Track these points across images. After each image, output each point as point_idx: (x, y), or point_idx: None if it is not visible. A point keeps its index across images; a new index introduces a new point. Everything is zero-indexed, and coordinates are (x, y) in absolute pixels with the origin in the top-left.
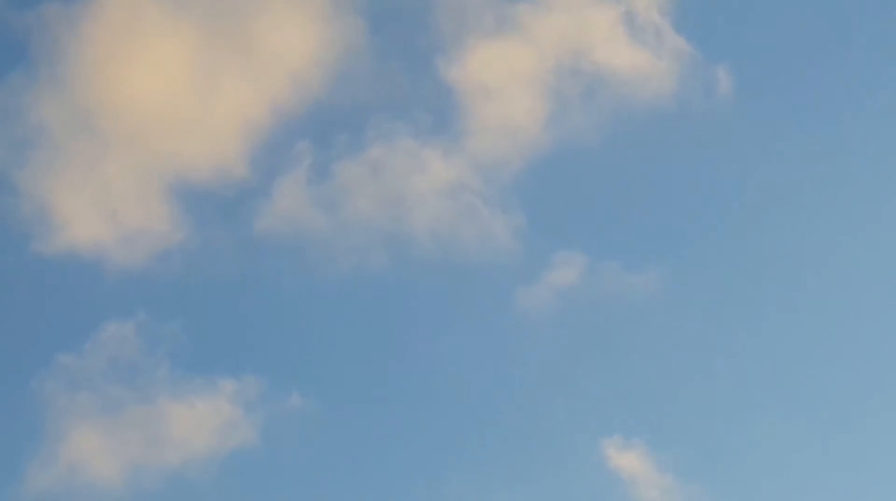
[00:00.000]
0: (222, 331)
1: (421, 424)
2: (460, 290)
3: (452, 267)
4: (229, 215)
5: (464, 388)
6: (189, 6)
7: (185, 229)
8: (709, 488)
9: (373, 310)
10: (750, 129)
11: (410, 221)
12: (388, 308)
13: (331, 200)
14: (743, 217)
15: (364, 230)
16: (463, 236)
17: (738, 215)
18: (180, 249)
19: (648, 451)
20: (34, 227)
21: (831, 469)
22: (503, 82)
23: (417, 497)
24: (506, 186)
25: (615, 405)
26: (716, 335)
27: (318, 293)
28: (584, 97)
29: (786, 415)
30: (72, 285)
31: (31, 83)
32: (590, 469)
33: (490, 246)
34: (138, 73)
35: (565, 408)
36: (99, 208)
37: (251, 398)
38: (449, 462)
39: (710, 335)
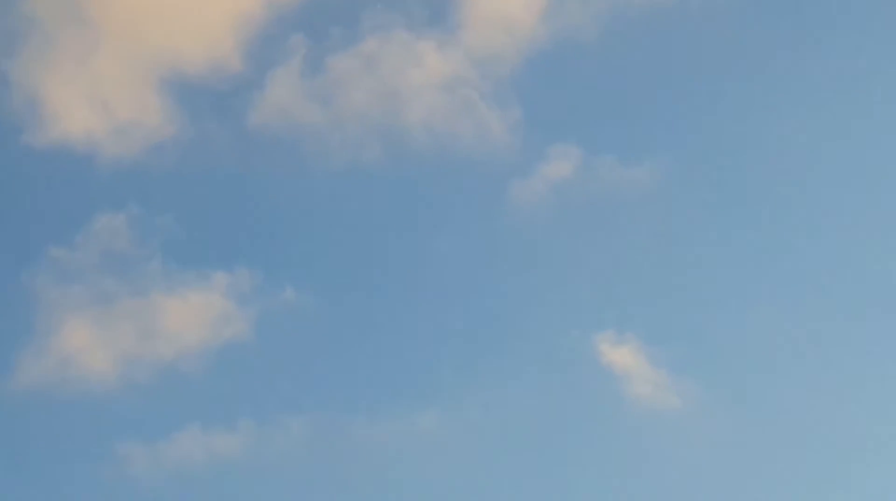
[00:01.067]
0: (215, 224)
1: (414, 318)
2: (455, 184)
3: (447, 161)
4: (223, 108)
5: (456, 282)
6: None
7: (178, 121)
8: (702, 383)
9: (367, 204)
10: (748, 20)
11: (405, 114)
12: (383, 202)
13: (325, 93)
14: (740, 111)
15: (358, 124)
16: (458, 129)
17: (735, 108)
18: (173, 141)
19: (641, 346)
20: (25, 119)
21: (827, 363)
22: None
23: (409, 390)
24: (502, 80)
25: (608, 299)
26: (710, 229)
27: (312, 187)
28: None
29: (781, 310)
30: (63, 177)
31: None
32: (583, 365)
33: (485, 140)
34: None
35: (558, 303)
36: (91, 100)
37: (244, 291)
38: (441, 356)
39: (704, 230)
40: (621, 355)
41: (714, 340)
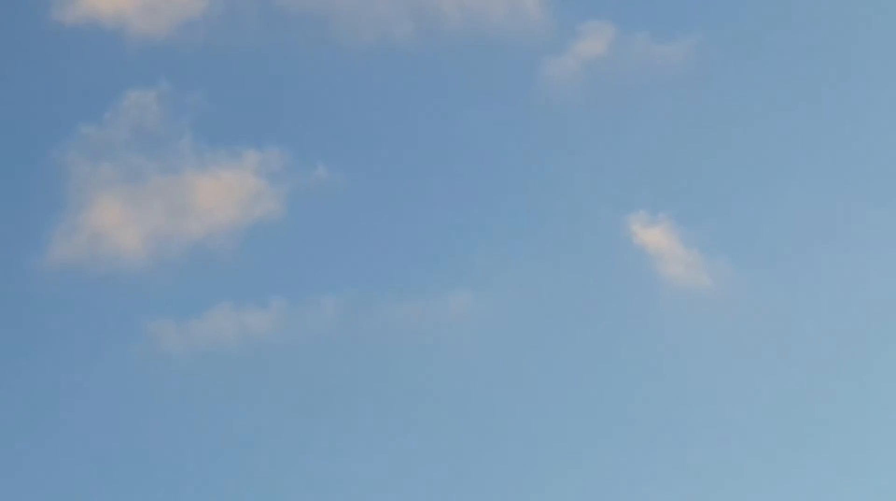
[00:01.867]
0: (246, 102)
1: (445, 198)
2: (486, 61)
3: (478, 38)
4: None
5: (488, 161)
6: None
7: None
8: (735, 263)
9: (398, 82)
10: None
11: None
12: (414, 80)
13: None
14: None
15: (389, 1)
16: (489, 7)
17: None
18: (203, 18)
19: (674, 226)
20: None
21: (861, 242)
22: None
23: (441, 269)
24: None
25: (640, 179)
26: (744, 107)
27: (343, 64)
28: None
29: (815, 188)
30: (92, 53)
31: None
32: (615, 245)
33: (517, 17)
34: None
35: (590, 183)
36: None
37: (276, 169)
38: (473, 237)
39: (738, 108)
40: (653, 235)
41: (747, 219)
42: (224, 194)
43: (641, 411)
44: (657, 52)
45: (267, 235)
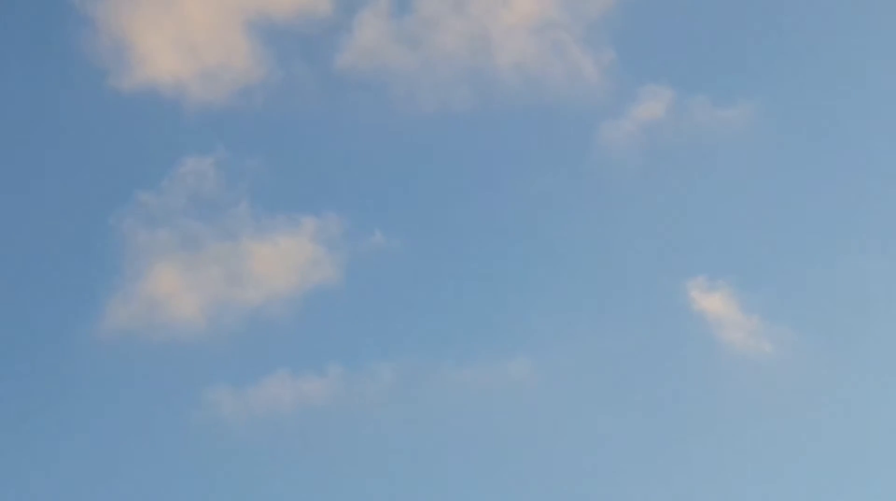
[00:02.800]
0: (304, 168)
1: (503, 263)
2: (545, 127)
3: (537, 104)
4: (310, 51)
5: (546, 226)
6: None
7: (266, 64)
8: (796, 329)
9: (456, 148)
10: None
11: (495, 57)
12: (472, 146)
13: (414, 35)
14: (836, 53)
15: (448, 67)
16: (548, 72)
17: (829, 51)
18: (261, 85)
19: (734, 292)
20: (113, 62)
21: None
22: None
23: (499, 336)
24: (593, 21)
25: (700, 244)
26: (803, 171)
27: (401, 131)
28: None
29: (876, 254)
30: (151, 121)
31: None
32: (674, 311)
33: (576, 82)
34: None
35: (649, 247)
36: (178, 43)
37: (333, 235)
38: (531, 302)
39: (797, 172)
40: (713, 301)
41: (807, 285)
42: (281, 260)
43: (703, 479)
44: (716, 117)
45: (324, 301)
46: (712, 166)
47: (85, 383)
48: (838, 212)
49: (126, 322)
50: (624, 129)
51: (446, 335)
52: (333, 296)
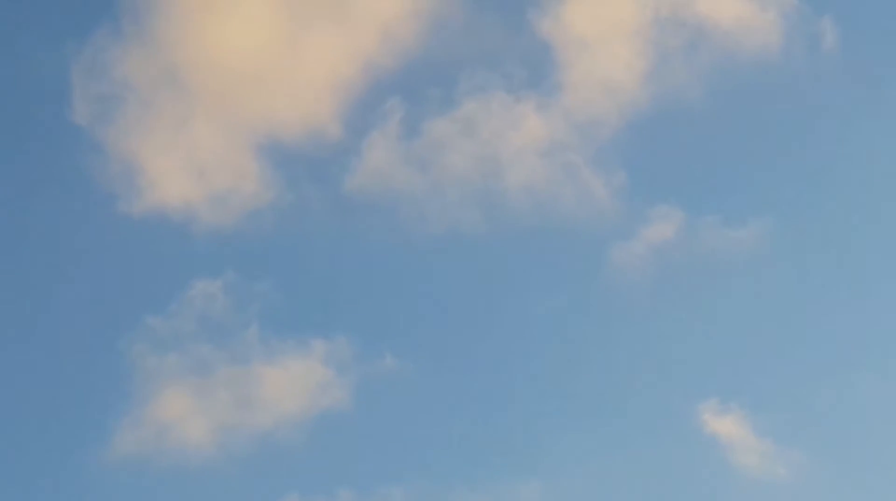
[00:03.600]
0: (313, 291)
1: (514, 386)
2: (555, 249)
3: (547, 226)
4: (320, 174)
5: (556, 348)
6: None
7: (275, 188)
8: (810, 453)
9: (466, 270)
10: (855, 84)
11: (505, 179)
12: (482, 269)
13: (422, 157)
14: (847, 174)
15: (457, 189)
16: (558, 194)
17: (841, 171)
18: (270, 208)
19: (747, 415)
20: (121, 186)
21: None
22: (600, 35)
23: (511, 459)
24: (603, 144)
25: (712, 366)
26: (817, 293)
27: (411, 253)
28: (685, 50)
29: (893, 378)
30: (160, 245)
31: (117, 39)
32: (686, 434)
33: (585, 203)
34: (226, 28)
35: (660, 369)
36: (187, 167)
37: (343, 359)
38: (541, 425)
39: (810, 294)
40: (725, 424)
41: (822, 408)
42: (291, 383)
43: None
44: (727, 237)
45: (334, 425)
46: (723, 287)
47: None
48: (851, 333)
49: (135, 447)
50: (634, 250)
51: (457, 458)
52: (344, 419)
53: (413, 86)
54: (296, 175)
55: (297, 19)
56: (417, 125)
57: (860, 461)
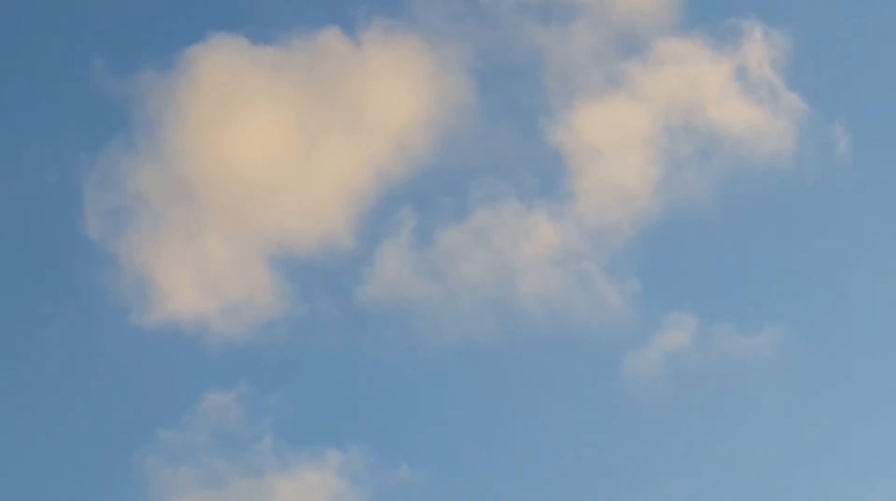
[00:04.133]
0: (327, 402)
1: (530, 494)
2: (569, 358)
3: (561, 335)
4: (333, 284)
5: (571, 457)
6: (289, 70)
7: (288, 299)
8: None
9: (481, 380)
10: (868, 189)
11: (518, 288)
12: (497, 378)
13: (436, 267)
14: (863, 280)
15: (470, 298)
16: (572, 303)
17: (857, 277)
18: (283, 319)
19: None
20: (133, 299)
21: None
22: (613, 143)
23: None
24: (616, 252)
25: (729, 475)
26: (833, 400)
27: (425, 363)
28: (697, 158)
29: None
30: (172, 357)
31: (128, 152)
32: None
33: (599, 312)
34: (238, 140)
35: (676, 477)
36: (199, 278)
37: (358, 470)
38: None
39: (826, 400)
40: None
41: None
42: (306, 496)
43: None
44: (742, 344)
45: None
46: (738, 394)
47: None
48: (869, 440)
49: None
50: (648, 358)
51: None
52: None
53: (425, 195)
54: (309, 286)
55: (309, 130)
56: (430, 234)
57: None
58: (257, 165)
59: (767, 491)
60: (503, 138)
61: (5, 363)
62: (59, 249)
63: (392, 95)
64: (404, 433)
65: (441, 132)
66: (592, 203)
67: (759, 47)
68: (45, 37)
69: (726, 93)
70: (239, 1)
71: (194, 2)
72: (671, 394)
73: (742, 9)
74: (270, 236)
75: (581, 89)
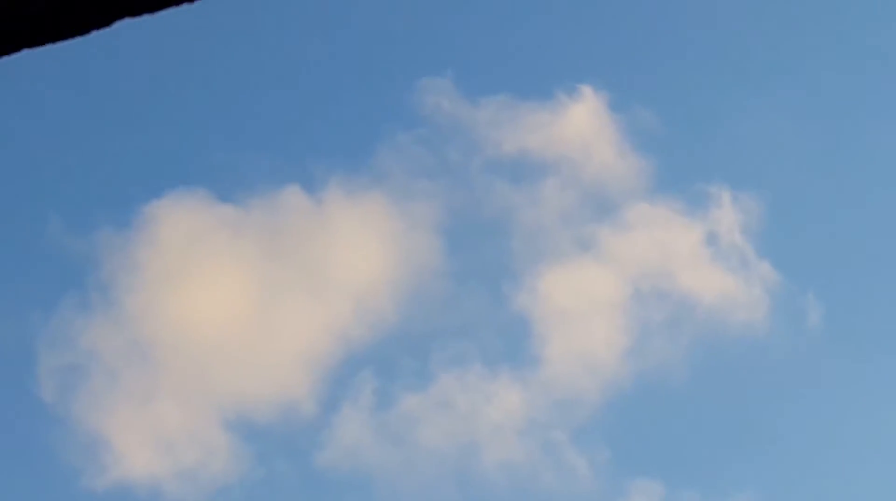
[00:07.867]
0: None
1: None
2: None
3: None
4: (290, 448)
5: None
6: (248, 229)
7: (245, 462)
8: None
9: None
10: (840, 360)
11: (482, 456)
12: None
13: (396, 433)
14: (831, 451)
15: (432, 465)
16: (537, 472)
17: (826, 448)
18: (239, 483)
19: None
20: (85, 461)
21: None
22: (581, 308)
23: None
24: (583, 421)
25: None
26: None
27: None
28: (667, 325)
29: None
30: None
31: (83, 310)
32: None
33: (566, 482)
34: (196, 300)
35: None
36: (154, 441)
37: None
38: None
39: None
40: None
41: None
42: None
43: None
44: None
45: None
46: None
47: None
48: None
49: None
50: None
51: None
52: None
53: (387, 358)
54: (266, 450)
55: (269, 290)
56: (391, 399)
57: None
58: (215, 326)
59: None
60: (469, 301)
61: None
62: (9, 408)
63: (354, 255)
64: None
65: (404, 294)
66: (559, 369)
67: (729, 213)
68: (0, 193)
69: (697, 259)
70: (198, 158)
71: (153, 159)
72: None
73: (711, 174)
74: (228, 398)
75: (549, 252)
